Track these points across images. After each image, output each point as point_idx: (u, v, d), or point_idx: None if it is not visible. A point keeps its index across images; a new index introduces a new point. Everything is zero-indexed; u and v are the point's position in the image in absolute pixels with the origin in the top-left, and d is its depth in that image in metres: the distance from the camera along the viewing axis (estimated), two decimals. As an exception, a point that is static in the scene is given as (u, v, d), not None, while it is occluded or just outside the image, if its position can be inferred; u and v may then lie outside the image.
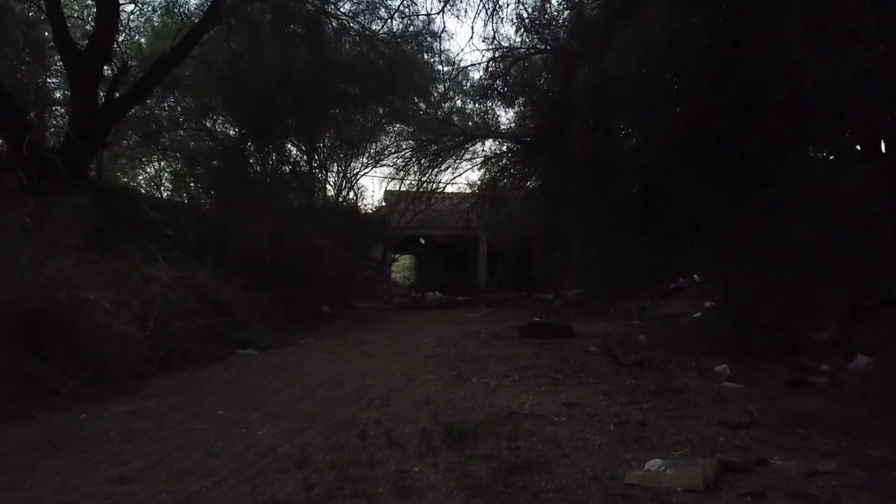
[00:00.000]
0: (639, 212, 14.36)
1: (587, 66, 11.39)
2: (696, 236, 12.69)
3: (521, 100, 17.14)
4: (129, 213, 11.25)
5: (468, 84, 19.82)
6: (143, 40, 15.14)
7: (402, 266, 33.34)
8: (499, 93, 16.37)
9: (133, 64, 13.38)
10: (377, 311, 15.78)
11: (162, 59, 12.62)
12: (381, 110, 20.09)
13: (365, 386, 5.79)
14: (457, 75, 18.97)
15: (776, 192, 8.86)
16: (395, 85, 15.85)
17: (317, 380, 6.14)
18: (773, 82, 8.71)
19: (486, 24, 25.63)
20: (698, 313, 10.18)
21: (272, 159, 14.92)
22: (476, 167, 21.96)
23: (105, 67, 12.35)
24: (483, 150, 20.98)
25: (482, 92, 16.72)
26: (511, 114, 20.87)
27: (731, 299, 8.24)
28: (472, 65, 24.27)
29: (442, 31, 19.24)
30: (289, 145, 17.59)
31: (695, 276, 11.92)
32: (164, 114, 14.27)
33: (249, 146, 14.52)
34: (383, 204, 26.12)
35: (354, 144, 20.37)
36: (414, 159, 19.91)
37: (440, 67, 17.82)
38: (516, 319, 12.09)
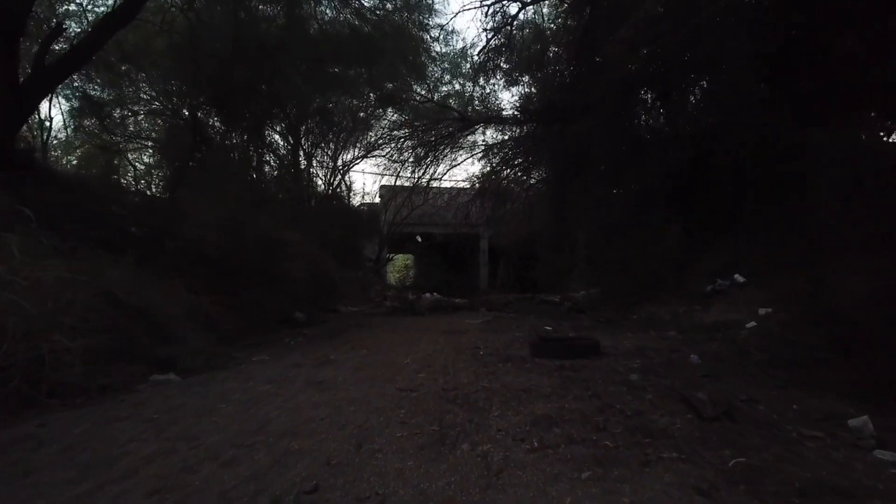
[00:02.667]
0: (673, 199, 12.00)
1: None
2: (750, 226, 10.36)
3: (526, 78, 14.77)
4: (66, 202, 8.94)
5: (466, 65, 17.54)
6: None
7: (398, 266, 31.00)
8: (500, 68, 13.97)
9: (71, 28, 11.04)
10: (363, 316, 13.40)
11: (105, 20, 10.31)
12: (371, 94, 17.78)
13: (286, 455, 3.42)
14: (451, 50, 16.69)
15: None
16: (382, 50, 13.44)
17: (216, 439, 3.76)
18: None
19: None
20: (752, 322, 7.82)
21: (244, 142, 12.53)
22: (476, 158, 19.63)
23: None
24: (483, 140, 18.66)
25: (482, 65, 14.31)
26: (514, 95, 18.48)
27: (827, 307, 5.85)
28: (471, 45, 21.56)
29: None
30: (271, 133, 15.28)
31: (737, 276, 9.50)
32: (113, 91, 11.82)
33: (216, 125, 12.14)
34: (377, 200, 23.78)
35: (342, 130, 18.01)
36: (408, 147, 17.53)
37: (432, 39, 15.41)
38: (523, 329, 9.75)
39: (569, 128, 11.63)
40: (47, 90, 10.34)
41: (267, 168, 14.46)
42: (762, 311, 8.05)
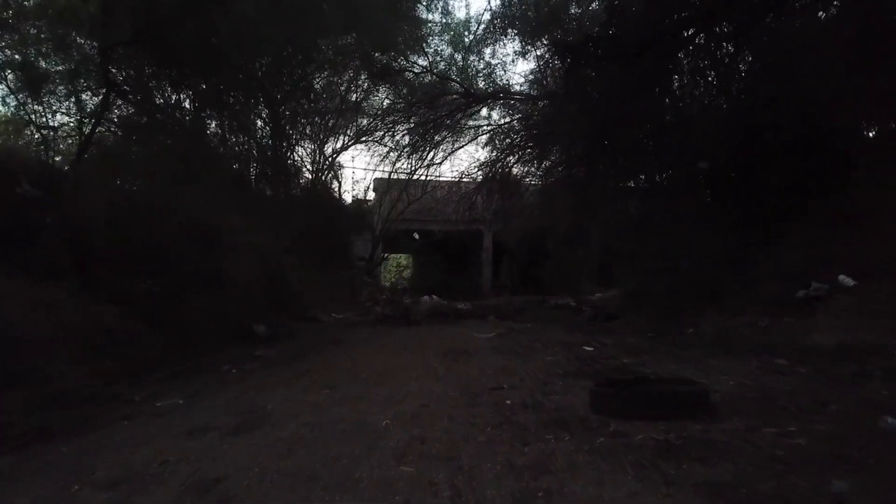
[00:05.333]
0: (726, 181, 9.29)
1: None
2: (843, 214, 7.68)
3: (543, 40, 11.98)
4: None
5: (469, 37, 14.82)
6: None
7: (395, 265, 28.26)
8: (514, 25, 11.21)
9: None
10: (347, 326, 10.68)
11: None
12: (363, 75, 15.05)
13: None
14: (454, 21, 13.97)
15: None
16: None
17: None
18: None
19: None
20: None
21: (194, 104, 9.66)
22: (479, 145, 16.92)
23: None
24: (488, 123, 15.93)
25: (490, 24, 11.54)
26: (527, 68, 15.82)
27: None
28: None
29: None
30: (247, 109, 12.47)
31: (842, 278, 6.77)
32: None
33: (151, 84, 9.24)
34: (371, 196, 21.03)
35: (328, 112, 15.27)
36: (404, 129, 14.79)
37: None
38: (551, 348, 7.13)
39: (604, 79, 8.85)
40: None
41: (238, 148, 11.65)
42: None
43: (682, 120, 9.40)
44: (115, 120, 8.73)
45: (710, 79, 9.68)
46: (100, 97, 8.38)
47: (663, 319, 8.90)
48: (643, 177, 10.79)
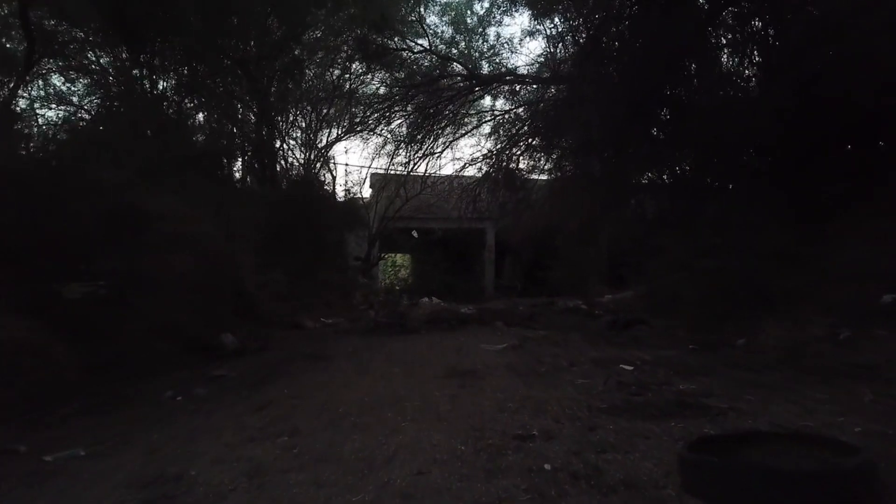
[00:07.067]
0: (770, 168, 7.87)
1: None
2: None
3: (556, 15, 10.54)
4: None
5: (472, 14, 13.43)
6: None
7: (393, 265, 26.78)
8: None
9: None
10: (335, 335, 9.24)
11: None
12: (357, 60, 13.63)
13: None
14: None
15: None
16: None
17: None
18: None
19: None
20: None
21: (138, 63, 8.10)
22: (483, 135, 15.47)
23: None
24: (492, 111, 14.52)
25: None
26: (537, 48, 14.41)
27: None
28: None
29: None
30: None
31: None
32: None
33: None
34: (368, 192, 19.59)
35: (319, 101, 13.85)
36: (401, 116, 13.36)
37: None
38: (577, 362, 5.79)
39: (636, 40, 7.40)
40: None
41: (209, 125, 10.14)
42: None
43: (726, 97, 7.96)
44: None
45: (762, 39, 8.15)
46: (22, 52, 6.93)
47: (702, 327, 7.49)
48: (676, 167, 9.34)
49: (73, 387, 4.60)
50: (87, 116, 8.47)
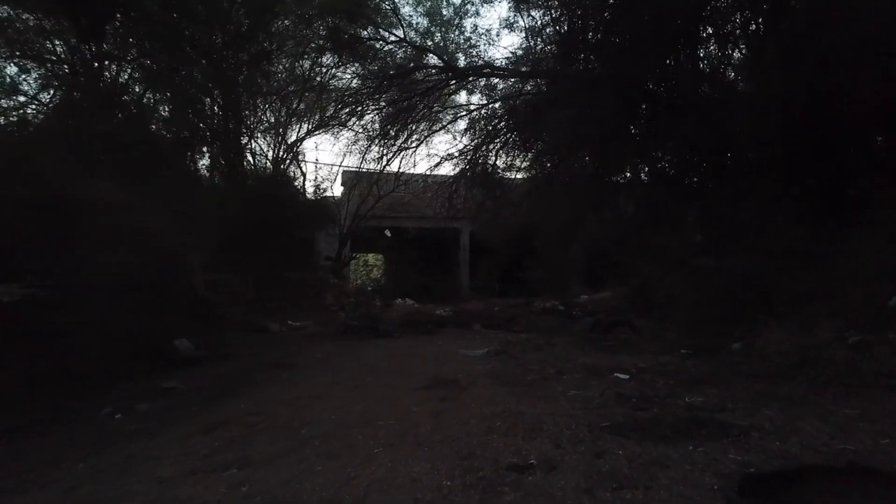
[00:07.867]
0: (773, 164, 7.48)
1: None
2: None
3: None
4: None
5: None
6: None
7: (367, 265, 26.10)
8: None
9: None
10: (303, 339, 8.59)
11: None
12: (327, 52, 12.98)
13: None
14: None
15: None
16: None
17: None
18: None
19: None
20: None
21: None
22: (458, 134, 14.96)
23: None
24: (467, 107, 14.03)
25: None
26: (514, 41, 13.89)
27: None
28: None
29: None
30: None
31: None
32: None
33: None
34: (339, 190, 18.91)
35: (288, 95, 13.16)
36: (374, 109, 12.75)
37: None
38: (567, 370, 5.25)
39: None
40: None
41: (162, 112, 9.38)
42: None
43: (724, 84, 7.56)
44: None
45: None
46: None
47: (694, 330, 7.08)
48: (665, 162, 8.91)
49: (4, 403, 3.93)
50: (34, 106, 7.71)
